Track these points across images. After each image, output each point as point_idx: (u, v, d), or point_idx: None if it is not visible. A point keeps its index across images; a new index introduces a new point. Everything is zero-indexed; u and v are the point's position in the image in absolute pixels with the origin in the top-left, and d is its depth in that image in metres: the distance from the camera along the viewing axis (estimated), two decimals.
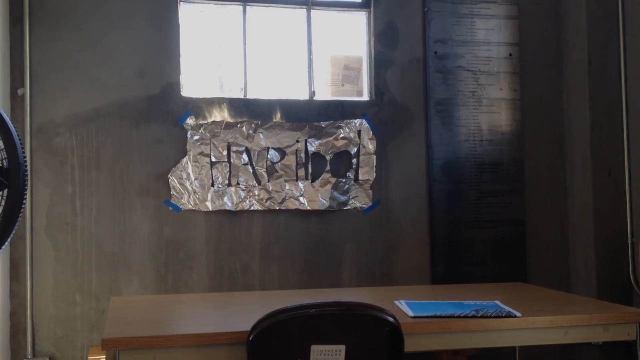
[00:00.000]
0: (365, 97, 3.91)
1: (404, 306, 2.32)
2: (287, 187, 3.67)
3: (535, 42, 4.06)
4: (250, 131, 3.64)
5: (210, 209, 3.58)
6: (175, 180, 3.56)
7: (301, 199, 3.69)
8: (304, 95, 3.82)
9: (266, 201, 3.64)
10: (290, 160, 3.69)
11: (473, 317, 2.14)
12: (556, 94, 4.07)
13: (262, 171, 3.65)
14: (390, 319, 1.76)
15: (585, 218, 3.84)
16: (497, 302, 2.41)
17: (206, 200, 3.58)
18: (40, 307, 3.40)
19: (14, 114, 3.39)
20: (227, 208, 3.59)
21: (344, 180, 3.76)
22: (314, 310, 1.75)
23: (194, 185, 3.57)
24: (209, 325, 2.10)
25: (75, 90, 3.49)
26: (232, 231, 3.63)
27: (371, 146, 3.79)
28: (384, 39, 3.87)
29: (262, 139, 3.65)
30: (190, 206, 3.56)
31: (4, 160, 2.04)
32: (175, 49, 3.62)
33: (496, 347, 2.22)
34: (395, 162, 3.84)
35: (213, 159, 3.59)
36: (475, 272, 3.83)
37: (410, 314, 2.17)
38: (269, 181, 3.66)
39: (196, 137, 3.58)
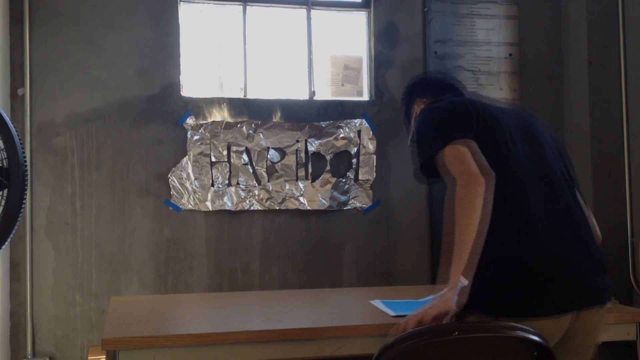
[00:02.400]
0: (365, 97, 3.91)
1: (381, 305, 2.28)
2: (287, 187, 3.67)
3: (535, 42, 4.06)
4: (250, 131, 3.64)
5: (210, 209, 3.58)
6: (175, 180, 3.56)
7: (301, 199, 3.69)
8: (304, 95, 3.82)
9: (266, 201, 3.64)
10: (290, 160, 3.69)
11: None
12: (556, 94, 4.07)
13: (262, 171, 3.65)
14: (538, 339, 1.52)
15: None
16: None
17: (206, 200, 3.58)
18: (40, 307, 3.40)
19: (14, 114, 3.39)
20: (227, 208, 3.59)
21: (344, 180, 3.76)
22: (456, 334, 1.50)
23: (194, 185, 3.57)
24: (209, 325, 2.10)
25: (75, 90, 3.49)
26: (232, 231, 3.63)
27: (371, 146, 3.79)
28: (384, 39, 3.87)
29: (262, 139, 3.65)
30: (190, 206, 3.56)
31: (4, 160, 2.04)
32: (175, 49, 3.62)
33: None
34: (395, 162, 3.84)
35: (213, 159, 3.59)
36: None
37: (391, 313, 2.14)
38: (269, 181, 3.66)
39: (196, 137, 3.58)
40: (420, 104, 2.14)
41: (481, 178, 1.65)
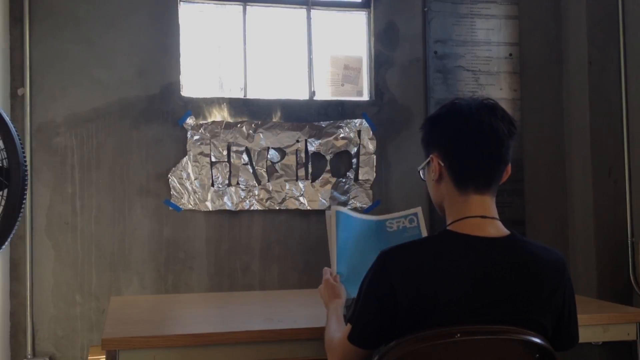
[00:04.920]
0: (365, 97, 3.91)
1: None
2: (287, 187, 3.67)
3: (535, 42, 4.06)
4: (250, 131, 3.64)
5: (210, 209, 3.58)
6: (175, 180, 3.56)
7: (301, 198, 3.69)
8: (304, 95, 3.82)
9: (266, 201, 3.64)
10: (290, 160, 3.69)
11: None
12: (556, 94, 4.07)
13: (262, 171, 3.65)
14: (540, 341, 1.50)
15: (585, 218, 3.84)
16: None
17: (206, 200, 3.58)
18: (40, 307, 3.40)
19: (14, 114, 3.39)
20: (227, 208, 3.59)
21: (344, 180, 3.76)
22: (458, 335, 1.46)
23: (194, 185, 3.57)
24: (209, 325, 2.10)
25: (75, 90, 3.49)
26: (232, 231, 3.63)
27: (371, 146, 3.79)
28: (384, 39, 3.87)
29: (262, 139, 3.65)
30: (190, 206, 3.56)
31: (4, 160, 2.04)
32: (175, 49, 3.62)
33: None
34: (395, 162, 3.84)
35: (213, 159, 3.59)
36: None
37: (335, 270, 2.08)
38: (269, 181, 3.66)
39: (196, 137, 3.58)
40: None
41: None
